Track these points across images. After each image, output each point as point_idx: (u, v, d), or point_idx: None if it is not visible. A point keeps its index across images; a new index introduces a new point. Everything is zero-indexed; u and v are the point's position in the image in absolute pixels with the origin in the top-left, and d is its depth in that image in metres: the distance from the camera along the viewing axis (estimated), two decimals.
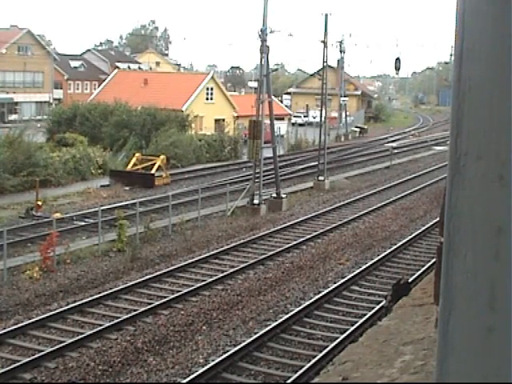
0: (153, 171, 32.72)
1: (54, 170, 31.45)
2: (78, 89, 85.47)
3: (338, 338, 13.33)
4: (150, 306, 15.31)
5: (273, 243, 21.94)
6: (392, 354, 8.83)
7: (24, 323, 14.09)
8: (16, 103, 73.62)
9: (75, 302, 15.70)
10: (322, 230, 23.37)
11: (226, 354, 12.50)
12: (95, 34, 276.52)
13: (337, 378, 8.86)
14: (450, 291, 1.36)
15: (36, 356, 12.43)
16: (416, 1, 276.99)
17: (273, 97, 31.65)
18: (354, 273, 18.24)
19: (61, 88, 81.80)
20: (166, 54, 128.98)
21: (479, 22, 1.32)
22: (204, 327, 14.37)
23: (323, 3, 72.77)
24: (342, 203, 29.22)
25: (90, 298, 15.89)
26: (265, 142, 28.67)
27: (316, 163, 35.81)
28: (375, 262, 19.41)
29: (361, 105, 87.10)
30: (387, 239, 22.81)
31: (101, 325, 14.19)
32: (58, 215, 23.41)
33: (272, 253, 20.18)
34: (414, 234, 23.09)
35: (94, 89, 75.92)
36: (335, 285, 17.17)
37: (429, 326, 9.26)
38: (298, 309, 15.19)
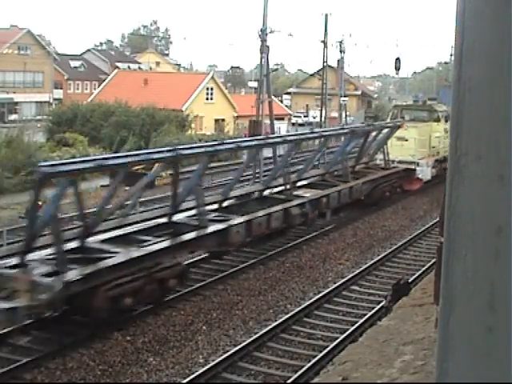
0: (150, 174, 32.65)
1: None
2: (77, 89, 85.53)
3: (338, 337, 13.34)
4: (149, 306, 15.30)
5: (273, 243, 21.92)
6: (392, 354, 8.83)
7: (24, 323, 14.05)
8: (16, 103, 73.63)
9: None
10: (322, 230, 23.35)
11: (226, 354, 12.51)
12: (95, 33, 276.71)
13: (337, 378, 8.86)
14: (450, 291, 1.36)
15: (36, 356, 12.42)
16: (416, 1, 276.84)
17: (273, 97, 31.65)
18: (354, 273, 18.25)
19: (61, 88, 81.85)
20: (167, 54, 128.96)
21: (479, 22, 1.32)
22: (204, 327, 14.38)
23: (323, 3, 72.86)
24: None
25: None
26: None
27: (316, 163, 35.77)
28: (375, 262, 19.42)
29: (361, 105, 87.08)
30: (387, 239, 22.82)
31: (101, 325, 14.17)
32: None
33: (272, 253, 20.17)
34: (414, 234, 23.10)
35: (94, 89, 75.97)
36: (335, 285, 17.18)
37: (429, 325, 9.26)
38: (298, 309, 15.20)
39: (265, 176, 26.32)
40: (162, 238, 15.57)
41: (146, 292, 13.94)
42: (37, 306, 11.66)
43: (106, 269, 12.98)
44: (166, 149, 16.71)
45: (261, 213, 18.79)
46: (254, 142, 21.28)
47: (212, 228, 16.59)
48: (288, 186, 21.30)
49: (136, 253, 14.13)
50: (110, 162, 14.76)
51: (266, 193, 21.41)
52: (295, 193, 21.60)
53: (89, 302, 12.64)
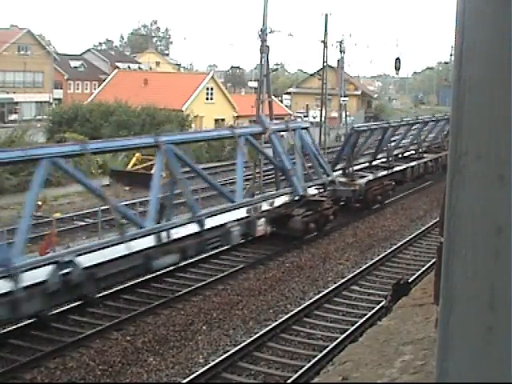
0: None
1: (54, 170, 31.38)
2: (77, 89, 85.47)
3: (338, 337, 13.34)
4: (150, 306, 15.31)
5: (273, 242, 21.91)
6: (392, 354, 8.83)
7: (24, 323, 14.07)
8: (16, 103, 73.60)
9: (75, 301, 15.65)
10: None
11: (226, 354, 12.51)
12: (95, 33, 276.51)
13: (337, 378, 8.86)
14: (450, 291, 1.36)
15: (36, 356, 12.43)
16: (416, 1, 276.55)
17: (273, 97, 31.65)
18: (354, 273, 18.26)
19: (61, 88, 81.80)
20: (167, 54, 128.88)
21: (479, 21, 1.32)
22: (204, 327, 14.38)
23: (323, 3, 72.86)
24: None
25: None
26: (265, 142, 28.66)
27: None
28: (375, 262, 19.42)
29: (361, 105, 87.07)
30: (387, 239, 22.82)
31: (101, 325, 14.18)
32: (57, 215, 23.41)
33: (272, 252, 20.17)
34: (414, 234, 23.10)
35: (94, 89, 75.96)
36: (335, 285, 17.18)
37: (429, 325, 9.26)
38: (298, 309, 15.20)
39: (265, 176, 26.71)
40: (376, 172, 28.36)
41: (382, 195, 27.10)
42: (356, 191, 24.93)
43: (370, 181, 26.34)
44: (381, 123, 33.95)
45: (415, 162, 32.22)
46: (414, 121, 36.56)
47: (397, 168, 30.01)
48: (420, 150, 35.29)
49: (374, 176, 27.41)
50: (361, 128, 29.19)
51: (406, 154, 34.35)
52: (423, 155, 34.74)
53: (366, 196, 25.48)
